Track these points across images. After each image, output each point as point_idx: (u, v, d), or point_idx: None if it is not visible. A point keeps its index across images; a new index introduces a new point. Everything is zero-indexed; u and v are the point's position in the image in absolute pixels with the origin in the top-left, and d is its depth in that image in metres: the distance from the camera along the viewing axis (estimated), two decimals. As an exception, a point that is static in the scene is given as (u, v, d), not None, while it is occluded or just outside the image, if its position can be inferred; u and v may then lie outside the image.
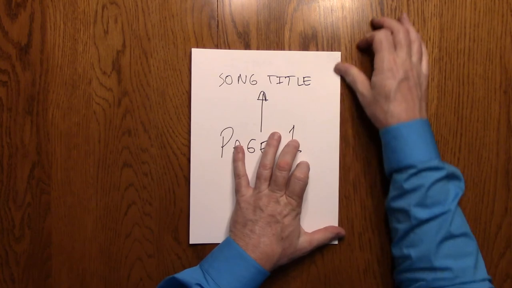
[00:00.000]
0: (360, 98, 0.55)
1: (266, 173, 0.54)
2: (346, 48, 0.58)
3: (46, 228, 0.58)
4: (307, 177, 0.55)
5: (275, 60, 0.57)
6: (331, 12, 0.58)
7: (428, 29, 0.58)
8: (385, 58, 0.52)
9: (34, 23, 0.57)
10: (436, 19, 0.58)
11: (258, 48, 0.57)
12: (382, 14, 0.57)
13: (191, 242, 0.57)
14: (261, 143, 0.57)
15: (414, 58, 0.53)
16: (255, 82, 0.57)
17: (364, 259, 0.58)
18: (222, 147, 0.57)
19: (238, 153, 0.57)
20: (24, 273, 0.57)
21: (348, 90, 0.58)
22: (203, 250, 0.57)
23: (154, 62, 0.57)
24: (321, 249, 0.58)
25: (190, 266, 0.58)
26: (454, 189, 0.50)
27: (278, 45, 0.58)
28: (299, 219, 0.55)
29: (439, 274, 0.48)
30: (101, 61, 0.57)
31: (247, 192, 0.55)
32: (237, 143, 0.57)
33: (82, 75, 0.57)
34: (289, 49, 0.57)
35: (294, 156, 0.56)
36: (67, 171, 0.57)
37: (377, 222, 0.58)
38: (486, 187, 0.58)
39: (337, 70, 0.57)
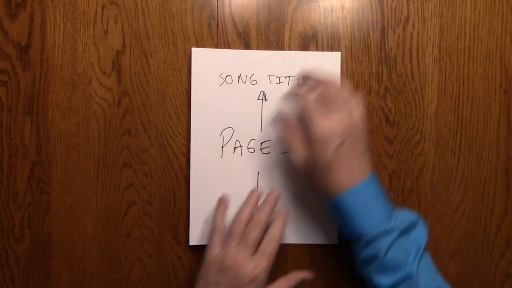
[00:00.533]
0: (298, 167, 0.51)
1: (238, 229, 0.52)
2: (346, 48, 0.58)
3: (46, 228, 0.58)
4: (281, 237, 0.52)
5: (275, 60, 0.57)
6: (331, 12, 0.58)
7: (428, 29, 0.58)
8: (318, 125, 0.48)
9: (34, 23, 0.57)
10: (436, 19, 0.58)
11: (258, 48, 0.57)
12: (382, 14, 0.57)
13: (191, 243, 0.57)
14: (261, 143, 0.57)
15: (352, 113, 0.49)
16: (255, 82, 0.57)
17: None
18: (222, 147, 0.57)
19: (221, 205, 0.55)
20: (24, 273, 0.57)
21: (348, 90, 0.58)
22: (203, 250, 0.57)
23: (154, 62, 0.57)
24: (321, 249, 0.58)
25: (190, 266, 0.58)
26: (415, 244, 0.47)
27: (278, 45, 0.58)
28: (265, 283, 0.51)
29: None
30: (101, 61, 0.57)
31: (215, 250, 0.51)
32: (237, 144, 0.57)
33: (82, 75, 0.57)
34: (289, 49, 0.57)
35: (271, 214, 0.53)
36: (67, 171, 0.57)
37: (377, 222, 0.58)
38: (486, 187, 0.58)
39: (275, 122, 0.55)
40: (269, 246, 0.51)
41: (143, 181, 0.58)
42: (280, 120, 0.55)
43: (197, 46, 0.57)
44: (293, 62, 0.57)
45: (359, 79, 0.58)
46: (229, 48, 0.57)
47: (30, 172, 0.57)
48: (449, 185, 0.58)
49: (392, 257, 0.46)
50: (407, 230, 0.48)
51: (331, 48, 0.58)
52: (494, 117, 0.58)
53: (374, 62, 0.58)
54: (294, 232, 0.57)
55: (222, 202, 0.55)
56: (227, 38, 0.57)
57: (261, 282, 0.50)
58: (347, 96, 0.50)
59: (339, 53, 0.57)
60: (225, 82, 0.57)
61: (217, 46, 0.57)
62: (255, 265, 0.50)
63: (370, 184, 0.49)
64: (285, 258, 0.58)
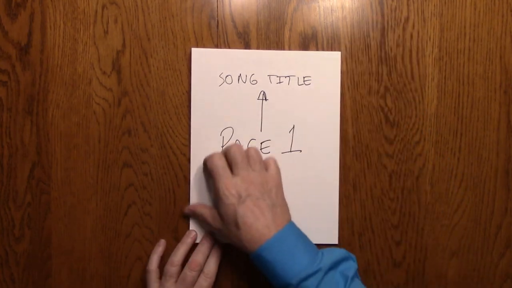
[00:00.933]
0: (217, 234, 0.54)
1: (173, 270, 0.54)
2: (346, 48, 0.58)
3: (46, 228, 0.58)
4: (215, 273, 0.55)
5: (275, 60, 0.57)
6: (331, 12, 0.58)
7: (428, 29, 0.58)
8: (220, 185, 0.51)
9: (34, 23, 0.57)
10: (436, 19, 0.58)
11: (258, 48, 0.57)
12: (382, 14, 0.57)
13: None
14: (261, 143, 0.57)
15: (255, 167, 0.52)
16: (255, 82, 0.57)
17: (364, 259, 0.58)
18: (222, 147, 0.57)
19: (159, 247, 0.56)
20: (24, 273, 0.57)
21: (349, 90, 0.58)
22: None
23: (154, 62, 0.57)
24: (321, 249, 0.58)
25: (190, 266, 0.58)
26: (342, 276, 0.48)
27: (278, 45, 0.58)
28: None
29: None
30: (101, 61, 0.57)
31: None
32: (238, 143, 0.57)
33: (82, 75, 0.57)
34: (289, 49, 0.57)
35: (206, 256, 0.55)
36: (67, 171, 0.57)
37: (377, 222, 0.58)
38: (486, 187, 0.58)
39: (186, 214, 0.57)
40: (204, 283, 0.54)
41: (143, 181, 0.58)
42: (187, 209, 0.57)
43: (197, 46, 0.57)
44: (294, 62, 0.57)
45: (359, 79, 0.58)
46: (229, 48, 0.57)
47: (30, 172, 0.57)
48: (449, 185, 0.58)
49: None
50: (333, 267, 0.48)
51: (331, 48, 0.58)
52: (494, 117, 0.58)
53: (374, 62, 0.58)
54: None
55: (160, 244, 0.57)
56: (227, 38, 0.57)
57: None
58: (254, 152, 0.53)
59: (339, 53, 0.57)
60: (225, 82, 0.57)
61: (217, 46, 0.57)
62: None
63: (286, 235, 0.49)
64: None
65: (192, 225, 0.57)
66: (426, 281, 0.58)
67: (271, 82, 0.57)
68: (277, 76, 0.57)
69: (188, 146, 0.57)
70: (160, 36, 0.57)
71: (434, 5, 0.58)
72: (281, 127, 0.57)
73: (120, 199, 0.58)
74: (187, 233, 0.57)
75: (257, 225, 0.49)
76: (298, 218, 0.57)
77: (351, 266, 0.49)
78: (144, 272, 0.56)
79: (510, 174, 0.58)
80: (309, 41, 0.58)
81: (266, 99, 0.57)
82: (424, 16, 0.58)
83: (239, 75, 0.57)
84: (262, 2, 0.57)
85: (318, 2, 0.58)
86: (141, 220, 0.58)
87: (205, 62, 0.57)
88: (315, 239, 0.58)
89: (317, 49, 0.58)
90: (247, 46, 0.57)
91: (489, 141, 0.58)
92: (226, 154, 0.53)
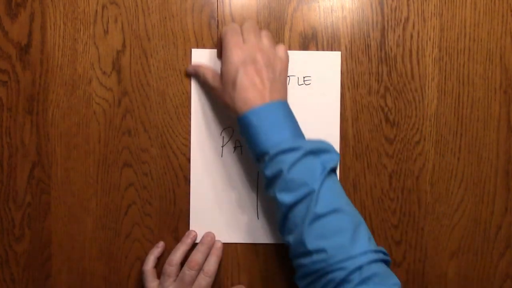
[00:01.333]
0: (212, 92, 0.54)
1: (171, 269, 0.54)
2: (346, 48, 0.58)
3: (46, 228, 0.58)
4: (215, 272, 0.55)
5: None
6: (331, 12, 0.58)
7: (428, 29, 0.58)
8: (230, 45, 0.51)
9: (34, 23, 0.57)
10: (436, 19, 0.58)
11: (258, 48, 0.57)
12: (382, 14, 0.57)
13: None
14: None
15: (264, 40, 0.52)
16: None
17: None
18: (222, 146, 0.57)
19: (157, 248, 0.57)
20: (24, 273, 0.57)
21: (349, 90, 0.58)
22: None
23: (154, 62, 0.57)
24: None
25: (190, 266, 0.58)
26: (320, 166, 0.47)
27: (278, 45, 0.58)
28: None
29: (315, 257, 0.45)
30: (101, 61, 0.57)
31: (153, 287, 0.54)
32: (238, 144, 0.57)
33: (82, 75, 0.57)
34: (289, 49, 0.57)
35: (206, 256, 0.55)
36: (67, 171, 0.57)
37: (377, 222, 0.58)
38: (486, 187, 0.58)
39: (188, 73, 0.57)
40: (203, 282, 0.53)
41: (143, 181, 0.58)
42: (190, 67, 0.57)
43: (197, 46, 0.57)
44: (293, 62, 0.57)
45: (359, 79, 0.58)
46: (229, 48, 0.57)
47: (30, 172, 0.57)
48: (449, 185, 0.58)
49: (296, 175, 0.47)
50: (314, 152, 0.48)
51: (331, 48, 0.58)
52: (494, 117, 0.58)
53: (374, 62, 0.58)
54: None
55: (158, 246, 0.57)
56: (227, 38, 0.57)
57: None
58: (267, 32, 0.53)
59: (339, 52, 0.57)
60: None
61: (217, 46, 0.57)
62: None
63: (277, 108, 0.49)
64: (285, 258, 0.58)
65: (192, 225, 0.57)
66: (426, 281, 0.58)
67: None
68: None
69: (188, 146, 0.57)
70: (160, 36, 0.57)
71: (434, 5, 0.58)
72: None
73: (120, 199, 0.58)
74: (187, 233, 0.57)
75: (253, 90, 0.49)
76: None
77: (332, 159, 0.49)
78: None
79: (510, 174, 0.58)
80: (309, 41, 0.58)
81: None
82: (424, 16, 0.58)
83: None
84: (262, 2, 0.57)
85: (318, 2, 0.58)
86: (141, 220, 0.58)
87: (205, 62, 0.57)
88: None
89: (317, 49, 0.58)
90: (247, 46, 0.57)
91: (489, 141, 0.58)
92: (241, 26, 0.53)
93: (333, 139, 0.57)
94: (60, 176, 0.57)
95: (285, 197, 0.47)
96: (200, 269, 0.54)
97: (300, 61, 0.57)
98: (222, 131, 0.57)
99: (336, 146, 0.57)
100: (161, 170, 0.58)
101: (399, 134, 0.58)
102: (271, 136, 0.48)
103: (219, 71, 0.53)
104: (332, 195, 0.47)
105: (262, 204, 0.57)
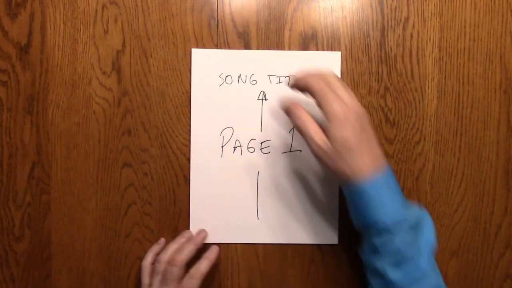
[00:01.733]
0: (317, 151, 0.46)
1: (159, 267, 0.54)
2: (346, 48, 0.58)
3: (46, 228, 0.58)
4: (203, 275, 0.54)
5: (275, 59, 0.57)
6: (331, 12, 0.58)
7: (428, 29, 0.58)
8: (335, 104, 0.45)
9: (34, 23, 0.57)
10: (436, 19, 0.58)
11: (258, 48, 0.57)
12: (382, 14, 0.57)
13: None
14: (261, 143, 0.57)
15: (352, 94, 0.47)
16: (255, 82, 0.57)
17: (364, 259, 0.58)
18: (222, 147, 0.57)
19: (157, 245, 0.57)
20: (24, 273, 0.57)
21: (348, 90, 0.58)
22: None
23: (154, 62, 0.57)
24: (321, 249, 0.58)
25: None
26: (426, 241, 0.47)
27: (278, 45, 0.58)
28: None
29: None
30: (101, 61, 0.57)
31: (144, 285, 0.55)
32: (237, 144, 0.57)
33: (82, 75, 0.57)
34: (289, 49, 0.57)
35: (191, 253, 0.55)
36: (67, 171, 0.57)
37: (377, 222, 0.58)
38: (486, 187, 0.58)
39: (283, 107, 0.49)
40: (188, 283, 0.53)
41: (143, 181, 0.58)
42: (287, 105, 0.48)
43: (197, 46, 0.57)
44: (293, 62, 0.57)
45: (359, 79, 0.58)
46: (229, 48, 0.57)
47: (30, 172, 0.57)
48: (449, 185, 0.58)
49: (405, 249, 0.45)
50: (417, 224, 0.47)
51: (331, 48, 0.58)
52: (494, 117, 0.58)
53: (374, 62, 0.58)
54: (294, 232, 0.57)
55: (157, 244, 0.57)
56: (227, 38, 0.57)
57: None
58: (337, 78, 0.48)
59: (339, 52, 0.57)
60: (225, 82, 0.57)
61: (217, 46, 0.57)
62: None
63: (389, 173, 0.46)
64: (285, 258, 0.58)
65: (192, 225, 0.57)
66: (426, 281, 0.58)
67: (271, 82, 0.57)
68: (277, 76, 0.57)
69: (188, 146, 0.57)
70: (160, 36, 0.57)
71: (434, 5, 0.58)
72: (281, 127, 0.57)
73: (120, 199, 0.58)
74: (182, 232, 0.57)
75: (368, 154, 0.45)
76: (298, 218, 0.57)
77: (433, 231, 0.48)
78: (144, 272, 0.56)
79: (510, 174, 0.58)
80: (309, 41, 0.58)
81: (266, 99, 0.57)
82: (424, 16, 0.58)
83: (239, 75, 0.57)
84: (262, 2, 0.57)
85: (318, 2, 0.58)
86: (141, 220, 0.58)
87: (205, 62, 0.57)
88: (315, 239, 0.58)
89: (317, 49, 0.58)
90: (247, 46, 0.57)
91: (489, 141, 0.58)
92: (323, 77, 0.47)
93: None
94: (60, 176, 0.57)
95: (394, 273, 0.45)
96: (181, 267, 0.53)
97: (300, 61, 0.57)
98: (222, 131, 0.57)
99: None
100: (161, 170, 0.58)
101: (399, 134, 0.58)
102: (387, 207, 0.45)
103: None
104: (435, 274, 0.47)
105: (262, 204, 0.57)
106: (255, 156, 0.57)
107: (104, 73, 0.57)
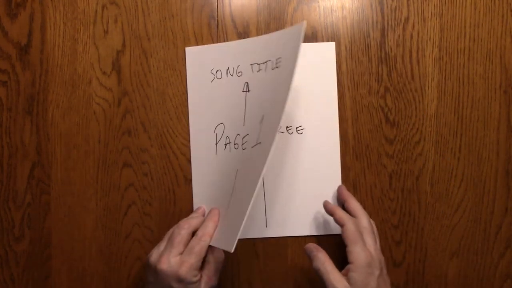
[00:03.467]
0: None
1: (168, 233, 0.52)
2: (346, 48, 0.58)
3: (46, 228, 0.58)
4: (210, 237, 0.51)
5: (256, 47, 0.55)
6: (331, 12, 0.58)
7: (428, 29, 0.58)
8: (362, 252, 0.49)
9: (34, 23, 0.57)
10: (436, 19, 0.58)
11: (258, 48, 0.57)
12: (382, 14, 0.57)
13: None
14: (242, 138, 0.54)
15: (378, 243, 0.52)
16: (240, 74, 0.56)
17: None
18: (216, 144, 0.57)
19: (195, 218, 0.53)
20: (24, 273, 0.57)
21: (349, 90, 0.58)
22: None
23: (154, 62, 0.57)
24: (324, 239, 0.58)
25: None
26: None
27: (278, 45, 0.58)
28: (196, 279, 0.49)
29: None
30: (101, 61, 0.57)
31: (153, 254, 0.50)
32: (227, 140, 0.57)
33: (82, 75, 0.57)
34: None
35: (200, 222, 0.52)
36: (67, 171, 0.57)
37: (377, 222, 0.58)
38: (486, 187, 0.58)
39: (306, 248, 0.52)
40: (196, 245, 0.49)
41: (143, 181, 0.58)
42: (310, 247, 0.52)
43: (196, 46, 0.57)
44: (274, 45, 0.53)
45: (359, 79, 0.58)
46: (229, 48, 0.57)
47: (30, 172, 0.57)
48: (449, 185, 0.58)
49: None
50: None
51: (331, 48, 0.58)
52: (494, 117, 0.58)
53: (374, 62, 0.58)
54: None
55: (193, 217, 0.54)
56: (227, 38, 0.57)
57: (189, 280, 0.48)
58: (375, 228, 0.53)
59: (333, 43, 0.57)
60: (215, 77, 0.57)
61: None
62: (181, 262, 0.48)
63: None
64: (285, 258, 0.58)
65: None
66: (426, 281, 0.58)
67: (253, 72, 0.55)
68: (258, 64, 0.55)
69: (188, 146, 0.57)
70: (160, 36, 0.57)
71: (434, 5, 0.58)
72: (256, 118, 0.53)
73: (120, 199, 0.58)
74: (195, 209, 0.56)
75: None
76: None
77: None
78: (143, 271, 0.56)
79: (510, 174, 0.58)
80: (309, 41, 0.58)
81: (249, 90, 0.55)
82: (424, 16, 0.58)
83: (227, 68, 0.56)
84: (262, 2, 0.57)
85: (318, 2, 0.58)
86: (141, 220, 0.58)
87: (198, 60, 0.57)
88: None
89: (317, 49, 0.58)
90: (247, 46, 0.57)
91: (489, 141, 0.58)
92: (358, 219, 0.52)
93: (333, 139, 0.57)
94: (60, 176, 0.57)
95: None
96: (190, 230, 0.51)
97: (273, 44, 0.53)
98: (215, 128, 0.56)
99: (337, 147, 0.57)
100: (161, 170, 0.58)
101: (399, 134, 0.58)
102: None
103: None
104: None
105: (255, 202, 0.57)
106: (237, 153, 0.56)
107: (104, 73, 0.57)
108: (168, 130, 0.58)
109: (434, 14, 0.58)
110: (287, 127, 0.57)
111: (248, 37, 0.57)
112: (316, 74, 0.57)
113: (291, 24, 0.57)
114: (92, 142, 0.57)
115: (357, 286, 0.48)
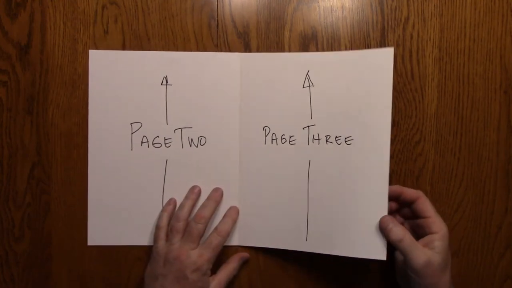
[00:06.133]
0: (420, 265, 0.48)
1: (179, 225, 0.53)
2: (346, 48, 0.58)
3: (46, 228, 0.58)
4: (228, 232, 0.54)
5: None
6: (331, 12, 0.58)
7: (428, 29, 0.58)
8: (443, 222, 0.51)
9: (34, 23, 0.57)
10: (436, 19, 0.58)
11: (258, 49, 0.57)
12: (382, 14, 0.57)
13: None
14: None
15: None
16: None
17: (364, 259, 0.58)
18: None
19: (169, 205, 0.56)
20: (24, 273, 0.57)
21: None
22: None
23: (154, 62, 0.57)
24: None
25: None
26: None
27: (278, 45, 0.58)
28: (209, 274, 0.52)
29: None
30: (101, 61, 0.57)
31: (161, 244, 0.53)
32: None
33: (82, 75, 0.57)
34: (289, 50, 0.57)
35: (213, 211, 0.55)
36: (67, 171, 0.57)
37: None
38: (486, 187, 0.58)
39: (383, 225, 0.51)
40: (215, 240, 0.53)
41: (143, 181, 0.58)
42: (388, 223, 0.51)
43: (197, 46, 0.57)
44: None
45: (359, 79, 0.58)
46: (229, 48, 0.57)
47: (30, 172, 0.57)
48: (449, 185, 0.58)
49: None
50: None
51: (331, 48, 0.58)
52: (494, 117, 0.58)
53: (374, 62, 0.58)
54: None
55: (170, 203, 0.56)
56: (227, 38, 0.57)
57: (204, 271, 0.51)
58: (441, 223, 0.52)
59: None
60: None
61: (217, 46, 0.57)
62: (199, 255, 0.51)
63: None
64: (285, 258, 0.58)
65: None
66: (426, 281, 0.58)
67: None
68: None
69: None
70: (160, 36, 0.57)
71: (434, 5, 0.58)
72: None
73: (120, 199, 0.58)
74: (190, 188, 0.56)
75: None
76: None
77: None
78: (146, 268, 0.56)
79: (510, 174, 0.58)
80: (309, 41, 0.58)
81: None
82: (424, 16, 0.58)
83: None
84: (262, 2, 0.57)
85: (318, 2, 0.58)
86: (141, 220, 0.58)
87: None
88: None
89: (317, 50, 0.58)
90: (247, 46, 0.58)
91: (489, 141, 0.58)
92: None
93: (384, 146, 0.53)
94: (60, 176, 0.57)
95: None
96: (206, 223, 0.53)
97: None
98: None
99: (387, 157, 0.53)
100: (161, 170, 0.58)
101: (399, 134, 0.58)
102: None
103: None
104: None
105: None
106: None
107: (104, 73, 0.57)
108: (168, 130, 0.57)
109: (434, 14, 0.58)
110: (336, 137, 0.54)
111: (248, 37, 0.57)
112: (370, 82, 0.53)
113: (291, 24, 0.57)
114: (92, 142, 0.57)
115: (444, 254, 0.49)
